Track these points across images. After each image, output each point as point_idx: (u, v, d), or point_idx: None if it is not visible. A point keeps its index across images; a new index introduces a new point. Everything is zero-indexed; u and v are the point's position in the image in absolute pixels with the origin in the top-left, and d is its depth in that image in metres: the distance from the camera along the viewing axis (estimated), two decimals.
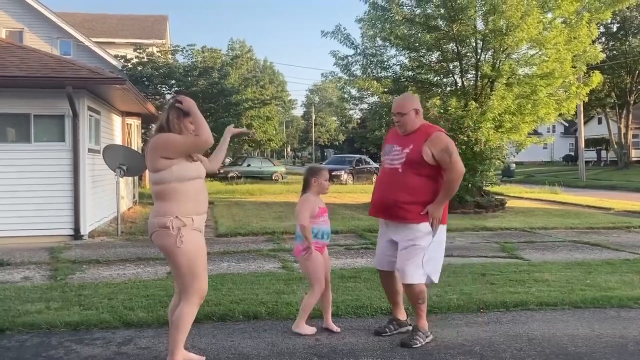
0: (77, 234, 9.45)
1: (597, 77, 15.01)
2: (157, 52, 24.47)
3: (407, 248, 4.13)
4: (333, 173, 27.19)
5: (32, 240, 9.11)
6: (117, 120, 13.13)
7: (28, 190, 9.27)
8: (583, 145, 31.79)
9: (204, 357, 3.84)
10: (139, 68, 22.85)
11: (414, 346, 4.06)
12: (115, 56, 22.57)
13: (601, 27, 29.69)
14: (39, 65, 9.71)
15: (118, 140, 12.83)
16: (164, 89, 23.93)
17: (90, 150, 9.95)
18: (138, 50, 23.31)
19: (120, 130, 13.48)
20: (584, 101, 18.97)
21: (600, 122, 49.93)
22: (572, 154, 51.91)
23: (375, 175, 29.24)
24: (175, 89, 23.88)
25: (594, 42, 16.08)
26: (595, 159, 47.07)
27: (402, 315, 4.46)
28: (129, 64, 22.76)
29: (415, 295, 4.17)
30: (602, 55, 15.65)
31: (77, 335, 4.34)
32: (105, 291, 5.62)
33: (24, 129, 9.43)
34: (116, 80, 9.77)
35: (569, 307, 5.11)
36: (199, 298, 3.60)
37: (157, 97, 22.74)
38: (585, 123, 36.97)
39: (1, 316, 4.67)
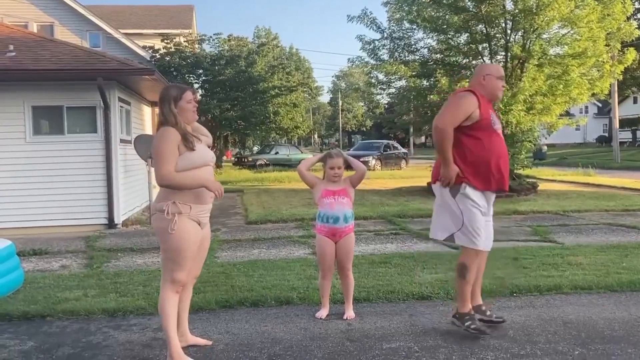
0: (111, 223, 9.66)
1: (631, 54, 14.54)
2: (184, 42, 24.64)
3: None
4: (361, 159, 27.14)
5: (68, 229, 9.35)
6: (146, 110, 13.31)
7: (63, 181, 9.51)
8: (617, 126, 30.95)
9: (211, 342, 3.91)
10: (167, 58, 23.08)
11: None
12: (144, 47, 22.82)
13: (636, 3, 28.76)
14: (70, 58, 9.89)
15: (148, 130, 13.02)
16: (192, 78, 24.12)
17: (121, 141, 10.12)
18: (165, 41, 23.53)
19: (150, 120, 13.67)
20: (618, 80, 18.44)
21: (635, 101, 48.62)
22: (606, 134, 50.62)
23: (403, 161, 29.07)
24: (203, 78, 24.03)
25: (628, 18, 15.57)
26: (631, 140, 45.85)
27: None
28: (157, 55, 23.00)
29: None
30: (638, 32, 15.13)
31: (114, 321, 4.45)
32: (140, 278, 5.74)
33: (58, 121, 9.64)
34: (145, 71, 9.90)
35: (605, 291, 5.02)
36: (174, 285, 3.52)
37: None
38: (619, 103, 35.99)
39: (42, 303, 4.82)
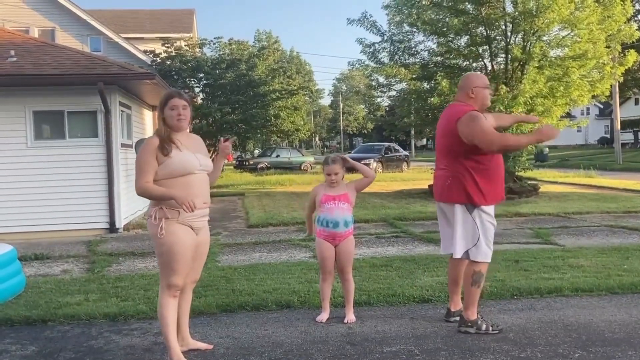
0: (112, 227, 9.68)
1: (632, 56, 14.55)
2: (185, 46, 24.66)
3: None
4: (362, 162, 27.03)
5: (70, 234, 9.37)
6: (147, 114, 13.33)
7: (64, 185, 9.52)
8: (619, 127, 30.94)
9: (212, 346, 3.91)
10: (168, 62, 23.08)
11: None
12: (144, 51, 22.87)
13: (636, 4, 28.76)
14: (71, 62, 9.92)
15: (149, 134, 13.03)
16: (192, 82, 24.13)
17: (122, 145, 10.14)
18: (166, 45, 23.56)
19: (151, 124, 13.69)
20: (619, 82, 18.44)
21: (637, 102, 48.58)
22: (608, 136, 50.56)
23: (404, 163, 29.06)
24: (204, 82, 24.05)
25: (629, 20, 15.56)
26: (632, 141, 45.77)
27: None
28: (157, 59, 23.03)
29: None
30: (638, 34, 15.14)
31: (115, 325, 4.46)
32: (142, 283, 5.75)
33: (59, 125, 9.67)
34: (146, 76, 9.92)
35: (606, 293, 5.02)
36: (170, 289, 3.55)
37: (186, 90, 22.97)
38: (621, 104, 35.92)
39: (43, 308, 4.83)
